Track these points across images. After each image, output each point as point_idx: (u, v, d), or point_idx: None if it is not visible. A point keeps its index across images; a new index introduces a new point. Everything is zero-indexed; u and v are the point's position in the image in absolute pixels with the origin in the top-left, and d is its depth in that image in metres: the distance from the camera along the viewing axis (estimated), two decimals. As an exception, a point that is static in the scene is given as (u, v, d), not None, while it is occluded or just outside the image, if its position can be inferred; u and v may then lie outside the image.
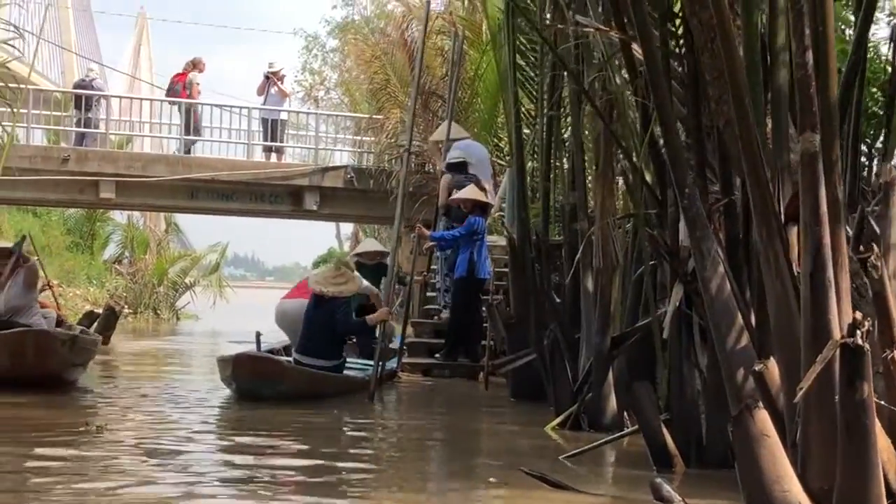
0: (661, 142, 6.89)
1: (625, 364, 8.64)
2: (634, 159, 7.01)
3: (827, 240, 4.97)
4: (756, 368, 5.53)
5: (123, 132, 24.03)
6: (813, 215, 4.98)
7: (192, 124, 21.60)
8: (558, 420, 8.44)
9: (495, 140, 18.83)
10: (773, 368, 5.59)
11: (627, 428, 8.37)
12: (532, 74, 14.92)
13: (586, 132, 9.10)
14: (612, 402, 8.38)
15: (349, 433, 8.60)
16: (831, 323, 4.93)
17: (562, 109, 11.76)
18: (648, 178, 7.46)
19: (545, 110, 10.89)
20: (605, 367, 8.35)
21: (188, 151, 21.47)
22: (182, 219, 33.70)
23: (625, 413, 8.46)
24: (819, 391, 4.87)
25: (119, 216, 32.43)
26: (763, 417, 5.06)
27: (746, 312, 6.15)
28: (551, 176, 11.06)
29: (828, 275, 4.96)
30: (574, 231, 10.39)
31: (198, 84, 22.02)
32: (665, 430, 6.67)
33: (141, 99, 25.03)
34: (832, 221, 5.00)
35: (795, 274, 5.26)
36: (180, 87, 21.81)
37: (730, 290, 6.01)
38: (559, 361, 8.65)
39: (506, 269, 12.93)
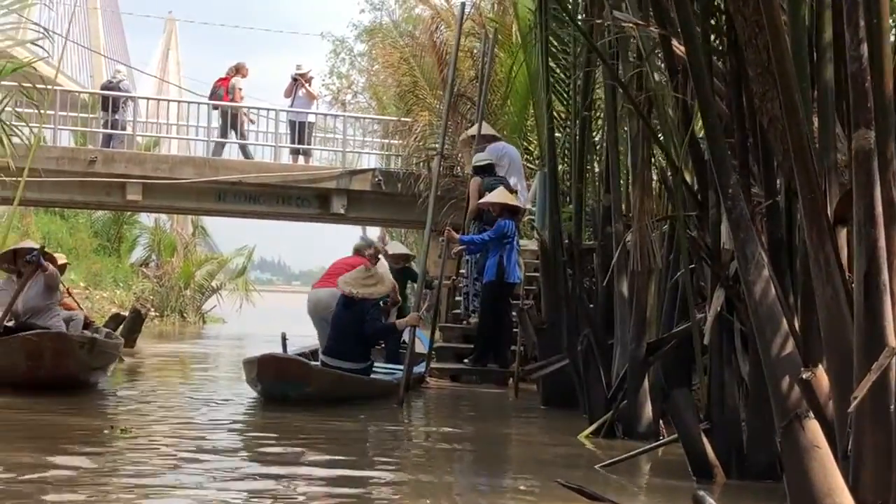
0: (703, 141, 6.68)
1: (661, 371, 8.43)
2: (674, 159, 6.76)
3: (882, 242, 4.72)
4: (803, 376, 5.30)
5: (151, 134, 23.99)
6: (867, 216, 4.73)
7: (237, 128, 21.55)
8: (592, 428, 8.21)
9: (525, 143, 18.60)
10: (821, 376, 5.36)
11: (663, 436, 8.16)
12: (563, 77, 14.72)
13: (622, 132, 8.85)
14: (648, 410, 8.15)
15: (377, 441, 8.39)
16: (886, 329, 4.69)
17: (594, 111, 11.56)
18: (688, 178, 7.23)
19: (578, 111, 10.65)
20: (640, 374, 8.12)
21: (219, 154, 21.39)
22: (209, 222, 33.62)
23: (660, 421, 8.24)
24: (873, 400, 4.63)
25: (146, 219, 32.37)
26: (814, 428, 4.83)
27: (791, 318, 5.92)
28: (583, 178, 10.81)
29: (883, 279, 4.72)
30: (607, 234, 10.16)
31: (240, 89, 21.93)
32: (705, 439, 6.44)
33: (168, 101, 24.89)
34: (887, 223, 4.76)
35: (846, 278, 5.02)
36: (223, 91, 21.70)
37: (774, 294, 5.78)
38: (593, 368, 8.42)
39: (536, 274, 12.72)
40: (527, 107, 18.35)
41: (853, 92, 4.88)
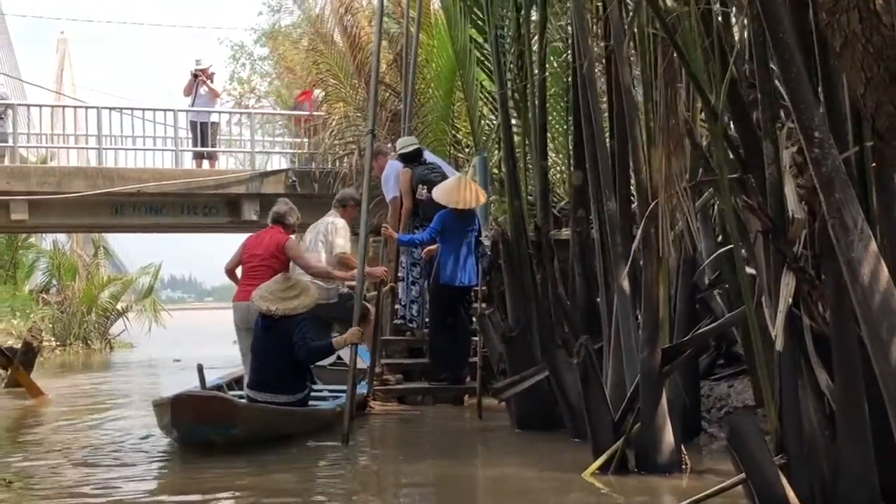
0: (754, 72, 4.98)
1: (679, 385, 6.75)
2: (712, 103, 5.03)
3: None
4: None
5: (43, 145, 21.76)
6: None
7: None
8: (599, 462, 6.45)
9: (453, 131, 16.91)
10: None
11: (685, 466, 6.51)
12: (489, 52, 13.17)
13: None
14: (669, 435, 6.42)
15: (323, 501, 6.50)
16: None
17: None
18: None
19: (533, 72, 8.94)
20: (656, 389, 6.39)
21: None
22: (114, 241, 31.49)
23: (682, 448, 6.55)
24: None
25: (44, 242, 30.10)
26: None
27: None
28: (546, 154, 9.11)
29: None
30: (581, 218, 8.50)
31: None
32: (783, 478, 4.74)
33: (52, 107, 22.54)
34: None
35: None
36: (306, 106, 20.28)
37: (888, 277, 4.10)
38: (594, 384, 6.63)
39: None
40: (452, 90, 16.70)
41: None
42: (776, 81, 4.96)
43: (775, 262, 4.89)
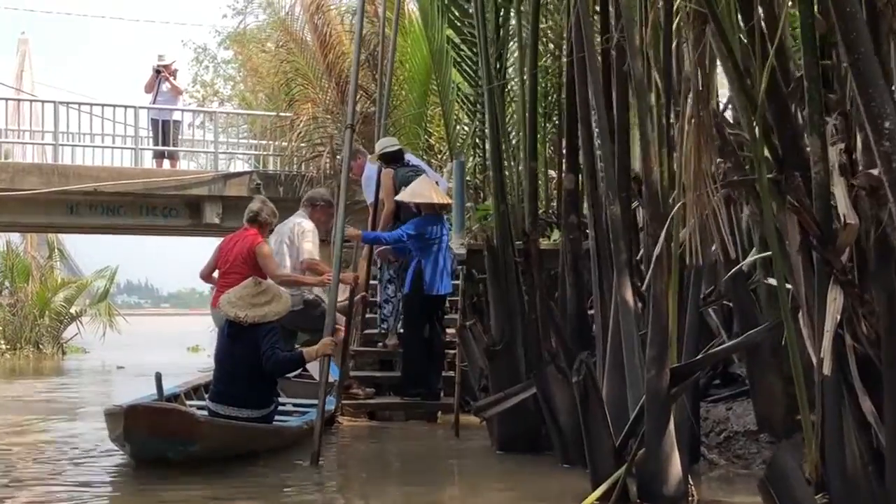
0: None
1: (688, 408, 6.16)
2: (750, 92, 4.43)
3: None
4: None
5: (1, 140, 20.97)
6: None
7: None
8: (599, 491, 5.84)
9: (426, 136, 16.34)
10: None
11: (693, 498, 5.92)
12: (470, 54, 12.72)
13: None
14: (676, 463, 5.82)
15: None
16: None
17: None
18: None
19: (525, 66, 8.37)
20: (663, 413, 5.78)
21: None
22: (70, 243, 30.57)
23: (689, 477, 5.96)
24: None
25: (-1, 242, 29.22)
26: None
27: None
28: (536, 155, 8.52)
29: None
30: (573, 225, 7.93)
31: None
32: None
33: (7, 99, 21.73)
34: None
35: None
36: None
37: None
38: (595, 406, 6.02)
39: (456, 282, 10.34)
40: (426, 93, 16.12)
41: None
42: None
43: (819, 274, 4.30)
